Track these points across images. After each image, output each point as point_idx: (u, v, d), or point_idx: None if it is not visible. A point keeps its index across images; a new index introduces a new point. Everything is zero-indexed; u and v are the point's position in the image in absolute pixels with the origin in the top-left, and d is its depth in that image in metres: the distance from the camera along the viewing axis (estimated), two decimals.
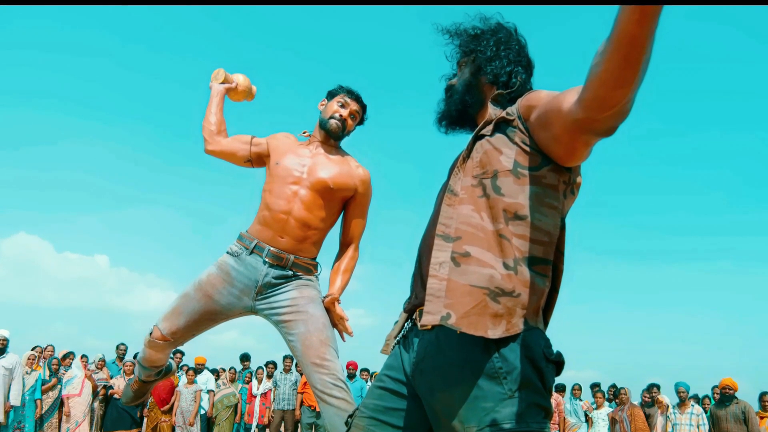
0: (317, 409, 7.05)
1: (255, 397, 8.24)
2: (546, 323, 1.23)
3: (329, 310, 2.23)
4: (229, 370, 8.53)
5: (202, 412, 7.78)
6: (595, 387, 8.36)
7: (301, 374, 7.95)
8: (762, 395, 6.87)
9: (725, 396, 6.68)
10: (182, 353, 8.39)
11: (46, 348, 7.87)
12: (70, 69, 16.90)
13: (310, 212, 2.24)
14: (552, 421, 8.03)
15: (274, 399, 8.10)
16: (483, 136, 1.25)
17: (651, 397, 7.53)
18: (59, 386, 7.17)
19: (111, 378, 7.63)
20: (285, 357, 8.25)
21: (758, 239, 16.25)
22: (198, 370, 7.99)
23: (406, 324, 1.33)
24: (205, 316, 2.26)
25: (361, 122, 2.43)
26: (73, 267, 18.09)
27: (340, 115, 2.33)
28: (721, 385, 6.82)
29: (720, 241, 17.04)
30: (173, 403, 7.58)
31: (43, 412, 7.01)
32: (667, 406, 7.10)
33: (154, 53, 17.65)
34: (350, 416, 1.37)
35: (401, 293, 1.42)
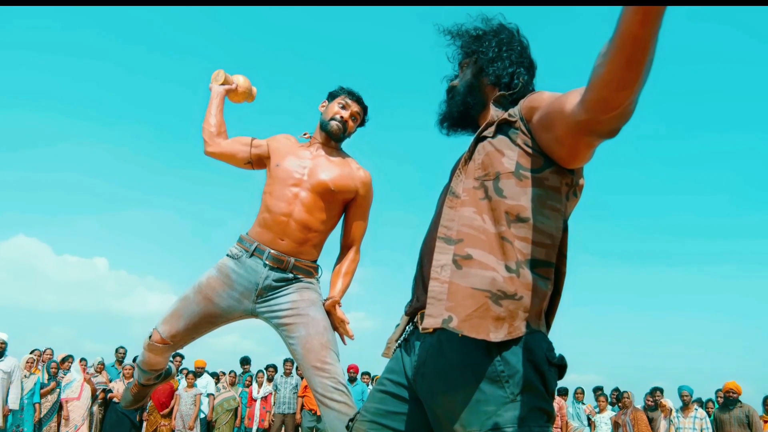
0: (318, 413, 7.02)
1: (255, 400, 8.22)
2: (548, 326, 1.22)
3: (330, 313, 2.21)
4: (229, 373, 8.51)
5: (202, 415, 7.76)
6: (597, 390, 8.33)
7: (302, 378, 7.93)
8: (766, 399, 6.85)
9: (729, 400, 6.65)
10: (182, 356, 8.36)
11: (44, 351, 7.84)
12: (69, 70, 16.97)
13: (310, 214, 2.23)
14: (554, 425, 7.97)
15: (274, 403, 8.07)
16: (485, 137, 1.24)
17: (654, 400, 7.50)
18: (58, 390, 7.16)
19: (110, 381, 7.62)
20: (285, 360, 8.23)
21: (762, 242, 16.25)
22: (198, 373, 7.97)
23: (407, 327, 1.32)
24: (205, 319, 2.25)
25: (362, 124, 2.42)
26: (72, 269, 18.11)
27: (341, 117, 2.32)
28: (724, 388, 6.79)
29: (723, 244, 17.02)
30: (173, 407, 7.56)
31: (41, 415, 6.99)
32: (671, 410, 7.06)
33: (154, 54, 17.69)
34: (351, 420, 1.36)
35: (402, 296, 1.41)
